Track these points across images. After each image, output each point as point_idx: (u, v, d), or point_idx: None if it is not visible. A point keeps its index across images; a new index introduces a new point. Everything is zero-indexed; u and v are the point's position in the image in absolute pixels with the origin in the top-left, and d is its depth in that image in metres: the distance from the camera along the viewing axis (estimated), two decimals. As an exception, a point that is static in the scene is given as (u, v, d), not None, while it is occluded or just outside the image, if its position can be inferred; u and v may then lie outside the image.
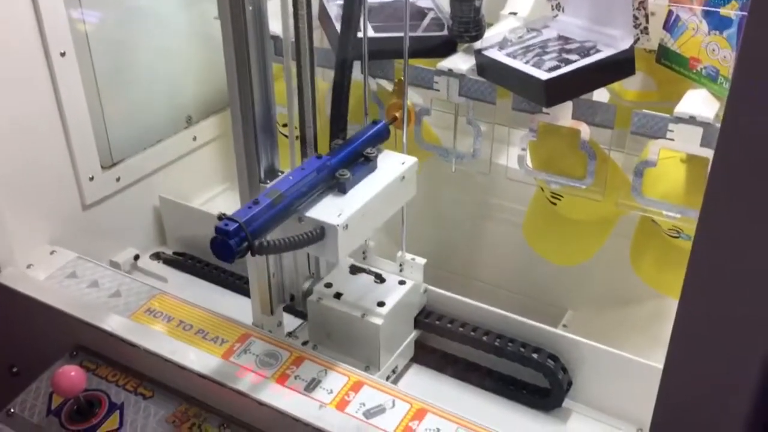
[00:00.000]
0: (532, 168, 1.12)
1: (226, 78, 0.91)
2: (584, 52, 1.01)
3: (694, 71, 0.98)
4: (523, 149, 1.12)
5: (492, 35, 1.11)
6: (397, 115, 1.06)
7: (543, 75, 0.97)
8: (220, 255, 0.81)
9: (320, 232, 0.87)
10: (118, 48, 1.27)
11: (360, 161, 0.96)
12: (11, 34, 1.06)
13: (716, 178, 0.55)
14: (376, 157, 0.97)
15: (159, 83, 1.36)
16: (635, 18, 0.98)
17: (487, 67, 1.08)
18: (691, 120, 0.95)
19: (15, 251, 1.11)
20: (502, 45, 1.09)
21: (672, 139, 0.97)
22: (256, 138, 0.95)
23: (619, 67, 0.99)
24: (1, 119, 1.06)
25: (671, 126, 0.96)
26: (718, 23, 0.93)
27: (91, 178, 1.22)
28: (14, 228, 1.11)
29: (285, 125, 1.08)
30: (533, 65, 1.01)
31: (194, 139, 1.42)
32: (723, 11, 0.91)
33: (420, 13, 1.19)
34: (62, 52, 1.11)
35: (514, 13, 1.23)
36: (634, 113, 0.98)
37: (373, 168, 0.96)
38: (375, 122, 1.01)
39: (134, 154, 1.31)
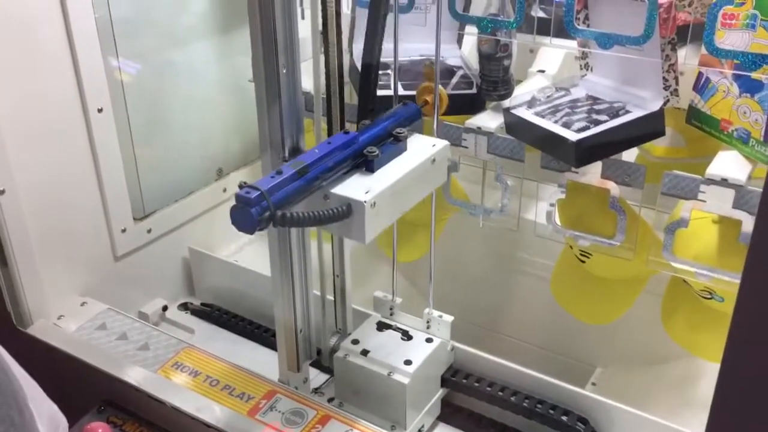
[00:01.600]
0: (561, 226, 1.12)
1: (259, 139, 0.91)
2: (614, 112, 1.01)
3: (726, 133, 0.98)
4: (552, 205, 1.12)
5: (521, 94, 1.12)
6: (428, 99, 1.01)
7: (573, 136, 0.98)
8: (240, 225, 0.76)
9: (347, 210, 0.81)
10: (153, 101, 1.30)
11: (389, 141, 0.90)
12: (52, 89, 1.09)
13: (759, 241, 0.54)
14: (406, 137, 0.91)
15: (191, 136, 1.39)
16: (665, 80, 0.98)
17: (515, 126, 1.09)
18: (724, 182, 0.94)
19: (47, 302, 1.13)
20: (531, 104, 1.10)
21: (704, 201, 0.96)
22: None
23: (648, 128, 0.99)
24: (38, 172, 1.09)
25: (703, 187, 0.96)
26: (749, 86, 0.93)
27: (124, 230, 1.24)
28: (47, 279, 1.12)
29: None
30: (562, 125, 1.02)
31: (224, 190, 1.44)
32: (754, 75, 0.91)
33: (449, 71, 1.21)
34: (99, 108, 1.14)
35: (542, 71, 1.24)
36: (665, 174, 0.98)
37: (403, 149, 0.91)
38: (405, 103, 0.97)
39: (166, 206, 1.33)
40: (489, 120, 1.13)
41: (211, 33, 1.37)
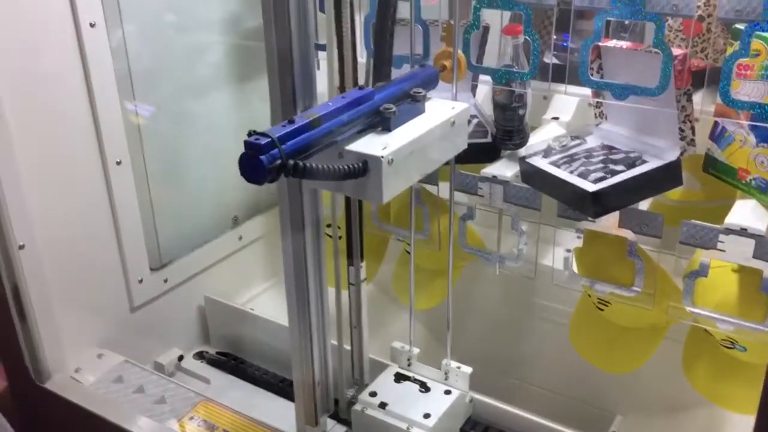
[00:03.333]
0: (578, 274, 1.11)
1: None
2: (630, 162, 1.01)
3: (744, 182, 0.98)
4: (568, 251, 1.12)
5: (536, 143, 1.12)
6: (446, 63, 0.96)
7: (590, 186, 0.97)
8: (249, 175, 0.70)
9: (363, 167, 0.76)
10: (171, 151, 1.32)
11: (407, 101, 0.85)
12: (71, 143, 1.11)
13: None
14: (424, 97, 0.87)
15: (208, 184, 1.40)
16: (681, 131, 0.98)
17: (531, 175, 1.09)
18: (743, 232, 0.94)
19: (65, 355, 1.13)
20: (546, 153, 1.10)
21: (723, 250, 0.96)
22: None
23: (666, 179, 0.99)
24: (57, 226, 1.10)
25: (722, 237, 0.95)
26: (766, 136, 0.93)
27: (140, 281, 1.24)
28: (65, 332, 1.13)
29: (329, 225, 1.09)
30: (579, 175, 1.01)
31: (240, 238, 1.45)
32: (771, 125, 0.91)
33: (464, 120, 1.22)
34: (118, 161, 1.16)
35: (557, 118, 1.25)
36: (684, 223, 0.97)
37: (421, 110, 0.86)
38: (423, 65, 0.93)
39: (182, 256, 1.34)
40: (504, 169, 1.13)
41: (228, 83, 1.39)
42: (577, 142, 1.12)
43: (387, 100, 0.83)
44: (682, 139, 0.99)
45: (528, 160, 1.09)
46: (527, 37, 1.02)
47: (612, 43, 1.05)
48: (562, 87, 1.19)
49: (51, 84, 1.06)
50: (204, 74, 1.36)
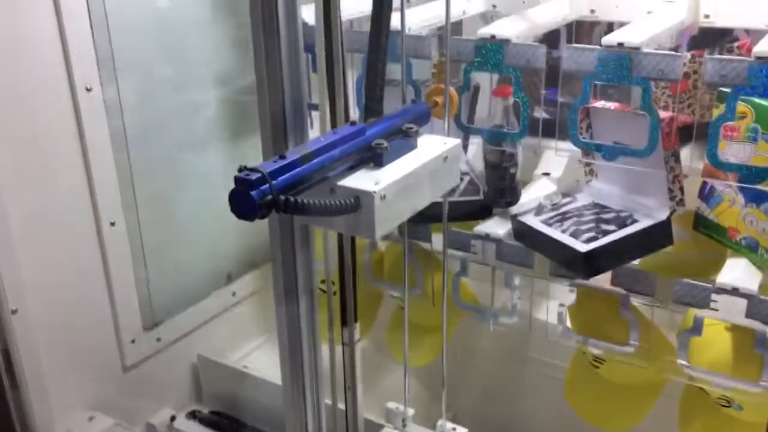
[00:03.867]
0: (573, 331, 1.11)
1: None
2: (621, 222, 1.02)
3: (734, 241, 0.99)
4: (562, 305, 1.12)
5: (527, 201, 1.13)
6: (438, 100, 0.96)
7: (582, 247, 0.98)
8: (240, 211, 0.69)
9: (355, 202, 0.75)
10: (165, 208, 1.32)
11: (398, 137, 0.84)
12: (65, 204, 1.11)
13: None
14: (416, 133, 0.86)
15: (202, 242, 1.40)
16: (670, 191, 0.99)
17: (524, 234, 1.09)
18: (735, 291, 0.94)
19: (55, 420, 1.11)
20: (538, 211, 1.11)
21: (716, 309, 0.96)
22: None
23: (656, 238, 1.00)
24: (49, 289, 1.09)
25: (714, 296, 0.96)
26: (754, 196, 0.95)
27: (133, 341, 1.23)
28: (56, 396, 1.11)
29: (323, 281, 1.09)
30: (571, 235, 1.02)
31: (233, 294, 1.44)
32: (760, 186, 0.92)
33: (456, 178, 1.23)
34: (112, 221, 1.16)
35: (547, 174, 1.26)
36: (676, 282, 0.98)
37: (413, 145, 0.85)
38: (414, 102, 0.92)
39: (175, 314, 1.33)
40: (497, 226, 1.14)
41: (222, 138, 1.40)
42: (569, 199, 1.13)
43: (379, 135, 0.82)
44: (672, 199, 1.00)
45: (520, 218, 1.10)
46: (517, 99, 1.04)
47: (600, 103, 1.07)
48: (552, 143, 1.20)
49: (46, 147, 1.07)
50: (198, 130, 1.37)
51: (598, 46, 0.94)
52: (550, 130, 1.15)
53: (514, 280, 1.16)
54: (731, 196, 0.98)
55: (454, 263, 1.20)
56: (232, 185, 0.69)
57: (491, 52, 1.03)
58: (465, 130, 1.16)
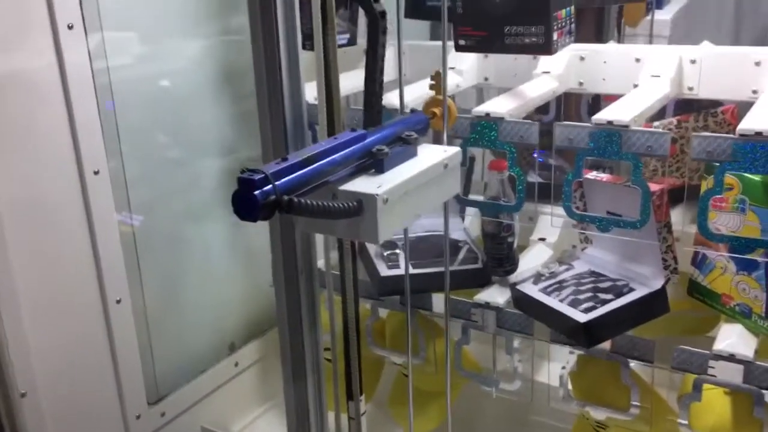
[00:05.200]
0: (574, 397, 1.13)
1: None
2: (618, 291, 1.04)
3: (728, 307, 1.01)
4: (563, 368, 1.14)
5: (525, 270, 1.16)
6: (436, 111, 0.96)
7: (581, 317, 1.01)
8: (242, 212, 0.68)
9: (358, 206, 0.75)
10: (169, 282, 1.34)
11: (399, 144, 0.85)
12: (71, 281, 1.12)
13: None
14: (416, 140, 0.86)
15: (205, 312, 1.41)
16: (664, 260, 1.02)
17: (523, 302, 1.12)
18: (731, 358, 0.96)
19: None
20: (536, 279, 1.14)
21: (714, 375, 0.98)
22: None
23: (653, 307, 1.02)
24: (57, 369, 1.10)
25: (711, 362, 0.98)
26: (745, 265, 0.98)
27: (138, 417, 1.24)
28: (61, 476, 1.11)
29: (327, 349, 1.11)
30: (569, 304, 1.05)
31: (236, 364, 1.45)
32: (750, 255, 0.95)
33: (455, 247, 1.25)
34: (118, 299, 1.17)
35: (543, 239, 1.29)
36: (675, 350, 1.00)
37: (413, 153, 0.86)
38: (414, 111, 0.93)
39: (179, 387, 1.34)
40: (496, 295, 1.16)
41: (224, 207, 1.41)
42: (565, 267, 1.16)
43: (379, 142, 0.83)
44: (666, 268, 1.03)
45: (519, 287, 1.13)
46: (512, 173, 1.08)
47: (593, 174, 1.11)
48: (547, 208, 1.24)
49: (53, 227, 1.08)
50: (201, 201, 1.39)
51: (588, 124, 0.98)
52: (545, 191, 1.19)
53: (514, 343, 1.18)
54: (723, 264, 1.01)
55: (455, 328, 1.22)
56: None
57: (486, 129, 1.07)
58: (462, 203, 1.19)
